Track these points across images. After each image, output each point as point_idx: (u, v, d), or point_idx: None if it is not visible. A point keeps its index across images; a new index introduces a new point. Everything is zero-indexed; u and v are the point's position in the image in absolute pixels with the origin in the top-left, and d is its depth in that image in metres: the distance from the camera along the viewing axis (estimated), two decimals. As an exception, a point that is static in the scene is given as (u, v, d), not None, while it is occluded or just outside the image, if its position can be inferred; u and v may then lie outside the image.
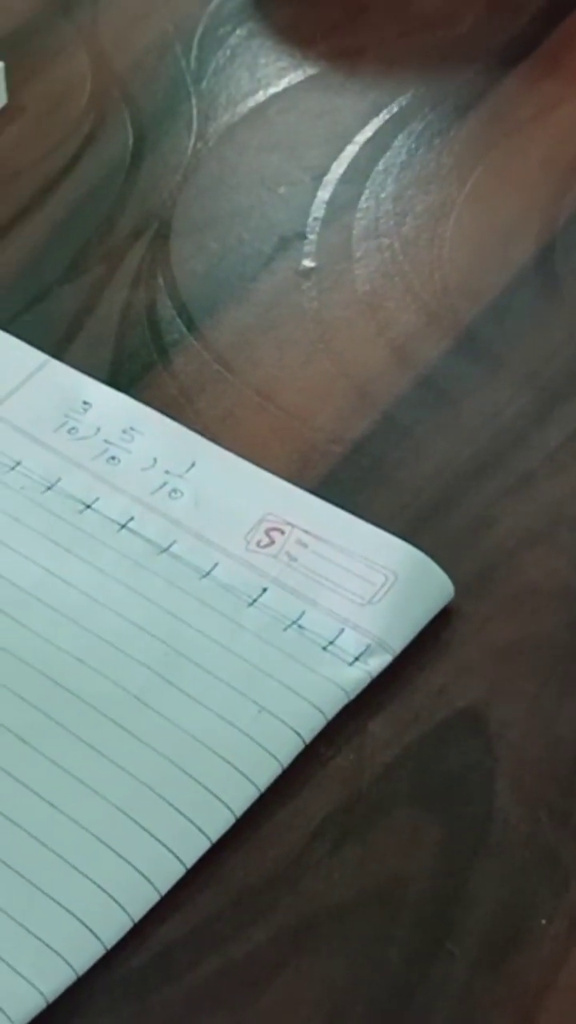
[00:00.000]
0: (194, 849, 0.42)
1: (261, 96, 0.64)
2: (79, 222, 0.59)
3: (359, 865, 0.42)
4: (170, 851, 0.42)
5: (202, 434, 0.51)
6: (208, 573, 0.48)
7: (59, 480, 0.50)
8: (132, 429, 0.52)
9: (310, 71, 0.65)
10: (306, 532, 0.48)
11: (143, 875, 0.41)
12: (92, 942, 0.40)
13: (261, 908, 0.41)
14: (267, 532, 0.49)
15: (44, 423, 0.52)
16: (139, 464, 0.51)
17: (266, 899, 0.42)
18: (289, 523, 0.49)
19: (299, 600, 0.47)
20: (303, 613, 0.47)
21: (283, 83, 0.65)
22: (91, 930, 0.40)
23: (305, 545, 0.48)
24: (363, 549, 0.48)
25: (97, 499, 0.50)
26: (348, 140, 0.62)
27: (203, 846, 0.42)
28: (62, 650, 0.46)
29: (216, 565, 0.48)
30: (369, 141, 0.62)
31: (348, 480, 0.51)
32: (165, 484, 0.50)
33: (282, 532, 0.49)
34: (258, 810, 0.43)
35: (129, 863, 0.41)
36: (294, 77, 0.65)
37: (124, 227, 0.59)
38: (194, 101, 0.64)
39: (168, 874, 0.41)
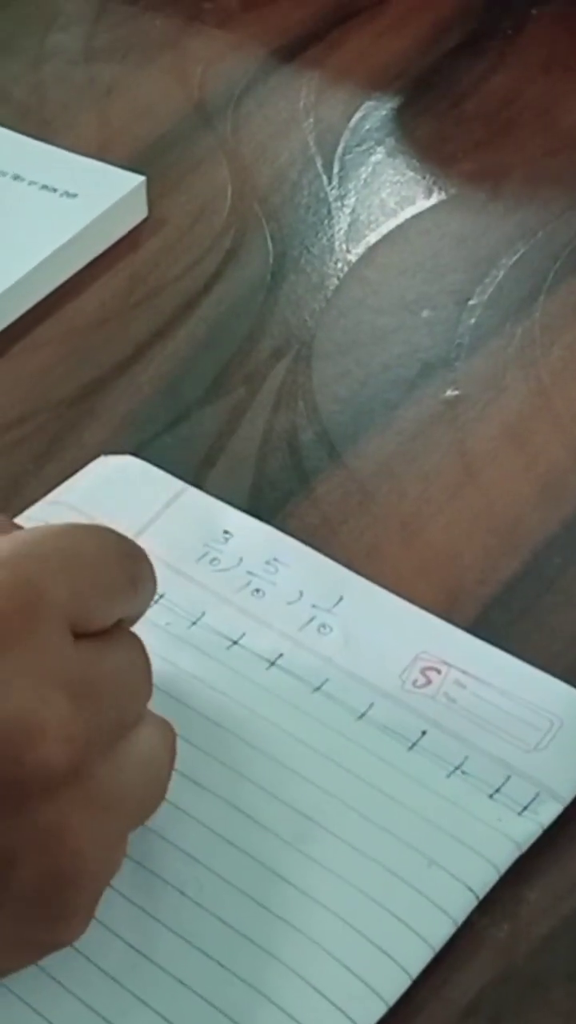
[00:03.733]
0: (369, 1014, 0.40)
1: (403, 216, 0.63)
2: (220, 341, 0.58)
3: (517, 1045, 0.40)
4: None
5: (347, 567, 0.50)
6: (364, 714, 0.46)
7: (204, 614, 0.49)
8: (275, 560, 0.50)
9: (452, 191, 0.64)
10: (464, 672, 0.47)
11: None
12: None
13: None
14: (423, 671, 0.47)
15: (185, 554, 0.50)
16: (285, 597, 0.49)
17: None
18: (446, 662, 0.47)
19: (461, 744, 0.45)
20: (466, 758, 0.45)
21: (425, 203, 0.63)
22: None
23: (464, 686, 0.46)
24: (524, 692, 0.46)
25: (244, 634, 0.48)
26: (493, 263, 0.60)
27: (379, 1010, 0.40)
28: (208, 791, 0.44)
29: (372, 705, 0.46)
30: (515, 265, 0.60)
31: (498, 624, 0.49)
32: (313, 619, 0.48)
33: (439, 672, 0.47)
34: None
35: None
36: (436, 196, 0.63)
37: (265, 348, 0.58)
38: (335, 219, 0.63)
39: None
